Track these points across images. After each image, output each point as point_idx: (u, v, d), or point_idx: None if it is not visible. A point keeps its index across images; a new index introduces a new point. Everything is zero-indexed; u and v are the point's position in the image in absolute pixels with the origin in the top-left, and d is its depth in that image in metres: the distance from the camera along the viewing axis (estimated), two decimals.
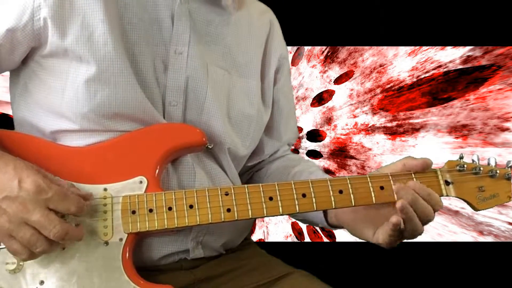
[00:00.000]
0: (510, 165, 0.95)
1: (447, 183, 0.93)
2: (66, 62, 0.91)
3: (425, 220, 0.89)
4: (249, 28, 1.12)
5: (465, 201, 0.94)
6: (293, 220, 2.30)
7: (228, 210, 0.89)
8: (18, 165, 0.80)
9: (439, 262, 2.16)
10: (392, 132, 2.26)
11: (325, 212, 1.02)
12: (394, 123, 2.26)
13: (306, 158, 2.30)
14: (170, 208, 0.88)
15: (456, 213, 2.19)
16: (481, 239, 2.17)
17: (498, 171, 0.94)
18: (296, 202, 0.90)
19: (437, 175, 0.93)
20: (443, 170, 0.94)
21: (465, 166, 0.94)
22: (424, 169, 0.93)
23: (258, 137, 1.14)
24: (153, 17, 0.98)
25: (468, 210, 2.17)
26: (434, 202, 0.89)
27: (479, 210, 0.94)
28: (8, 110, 1.90)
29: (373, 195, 0.91)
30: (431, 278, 2.14)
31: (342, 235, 2.27)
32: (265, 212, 0.89)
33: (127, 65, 0.92)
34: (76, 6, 0.90)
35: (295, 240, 2.30)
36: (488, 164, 0.95)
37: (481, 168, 0.94)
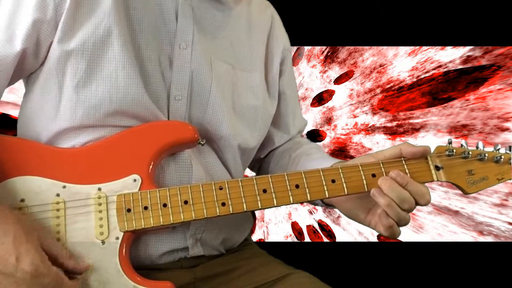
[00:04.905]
0: (497, 148, 0.96)
1: (437, 168, 0.94)
2: (69, 54, 0.91)
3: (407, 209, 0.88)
4: (250, 23, 1.14)
5: (455, 185, 0.95)
6: (293, 220, 2.31)
7: (223, 204, 0.89)
8: (19, 236, 0.76)
9: (439, 262, 2.15)
10: (392, 132, 2.26)
11: None
12: (394, 123, 2.26)
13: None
14: (165, 205, 0.88)
15: (456, 213, 2.18)
16: (481, 239, 2.16)
17: (486, 154, 0.95)
18: (290, 193, 0.91)
19: (427, 161, 0.94)
20: (433, 156, 0.95)
21: (454, 150, 0.95)
22: (422, 158, 0.94)
23: (266, 128, 1.15)
24: (157, 14, 0.99)
25: (468, 210, 2.17)
26: (414, 191, 0.88)
27: (469, 193, 0.95)
28: (8, 110, 1.90)
29: (365, 183, 0.92)
30: (431, 278, 2.13)
31: (342, 235, 2.27)
32: (259, 205, 0.90)
33: (132, 60, 0.92)
34: None
35: (295, 240, 2.30)
36: (477, 148, 0.96)
37: (470, 152, 0.95)
